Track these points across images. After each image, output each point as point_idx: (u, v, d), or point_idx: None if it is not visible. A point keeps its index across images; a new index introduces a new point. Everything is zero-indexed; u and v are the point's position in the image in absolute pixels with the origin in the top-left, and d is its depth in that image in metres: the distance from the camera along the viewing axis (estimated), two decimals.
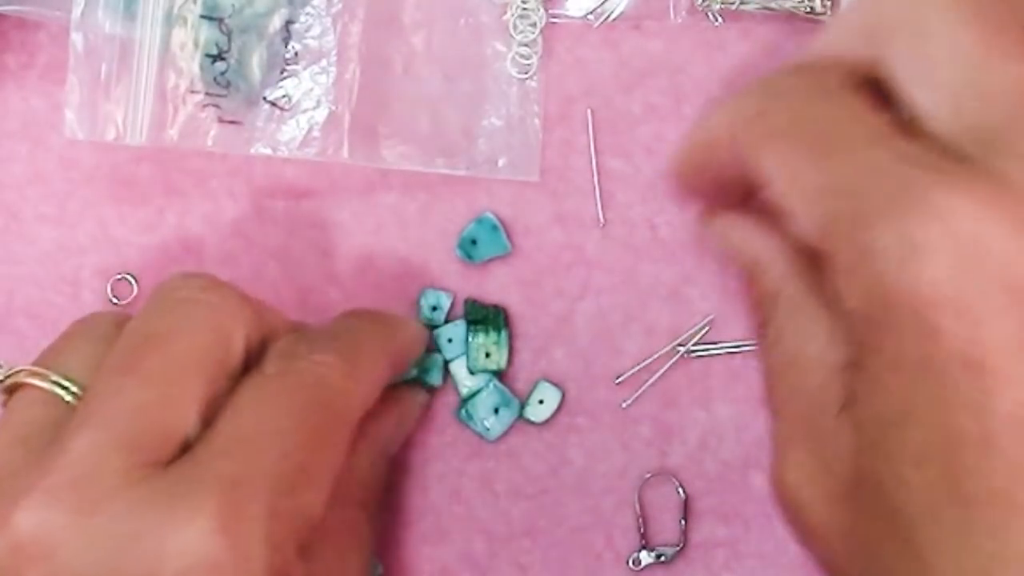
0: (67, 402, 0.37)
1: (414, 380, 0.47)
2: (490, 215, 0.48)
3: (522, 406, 0.48)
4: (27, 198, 0.49)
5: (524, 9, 0.47)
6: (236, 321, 0.38)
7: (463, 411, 0.48)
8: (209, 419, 0.36)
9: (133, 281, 0.49)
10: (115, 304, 0.48)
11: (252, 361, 0.39)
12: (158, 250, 0.49)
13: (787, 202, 0.31)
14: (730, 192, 0.36)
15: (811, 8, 0.47)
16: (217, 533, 0.33)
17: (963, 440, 0.27)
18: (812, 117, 0.31)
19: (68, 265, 0.49)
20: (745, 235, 0.37)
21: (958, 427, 0.27)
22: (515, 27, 0.48)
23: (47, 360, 0.38)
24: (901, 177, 0.28)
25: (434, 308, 0.48)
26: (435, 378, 0.47)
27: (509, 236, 0.48)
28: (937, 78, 0.29)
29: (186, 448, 0.35)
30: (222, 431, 0.35)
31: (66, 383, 0.37)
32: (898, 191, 0.28)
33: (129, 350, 0.37)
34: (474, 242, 0.48)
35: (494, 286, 0.48)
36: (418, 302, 0.48)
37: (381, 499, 0.45)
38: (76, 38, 0.45)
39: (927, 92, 0.30)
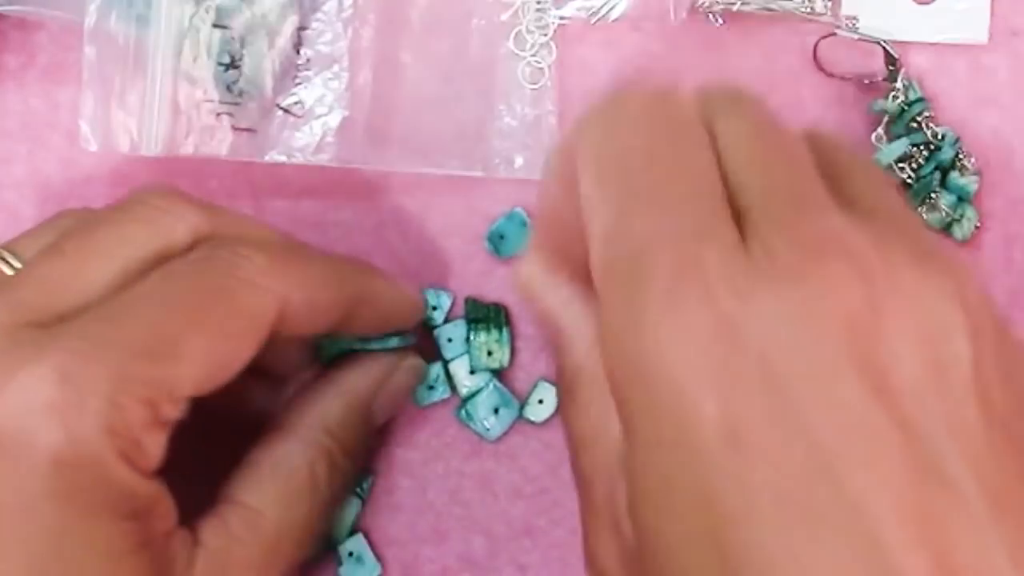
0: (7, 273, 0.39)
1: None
2: (520, 211, 0.48)
3: (522, 406, 0.48)
4: (27, 198, 0.49)
5: (537, 11, 0.47)
6: (176, 218, 0.39)
7: (463, 411, 0.48)
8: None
9: None
10: None
11: None
12: None
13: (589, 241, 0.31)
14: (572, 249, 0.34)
15: (812, 9, 0.47)
16: (55, 379, 0.34)
17: (727, 514, 0.27)
18: (653, 146, 0.31)
19: None
20: (562, 300, 0.36)
21: (722, 501, 0.27)
22: (528, 31, 0.48)
23: (12, 239, 0.41)
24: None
25: (434, 308, 0.48)
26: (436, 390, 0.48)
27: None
28: None
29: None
30: (108, 301, 0.37)
31: (9, 257, 0.39)
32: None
33: (62, 232, 0.39)
34: (503, 237, 0.48)
35: (494, 286, 0.48)
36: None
37: (356, 462, 0.44)
38: (89, 51, 0.45)
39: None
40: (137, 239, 0.38)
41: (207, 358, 0.37)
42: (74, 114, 0.47)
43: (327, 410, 0.43)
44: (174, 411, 0.37)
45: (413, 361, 0.46)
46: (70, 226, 0.40)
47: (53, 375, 0.34)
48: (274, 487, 0.40)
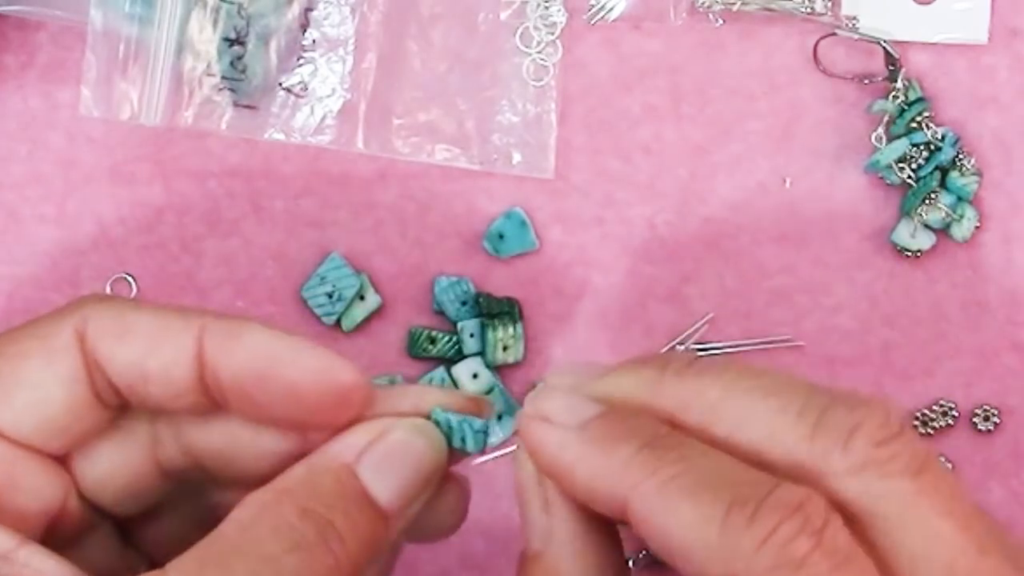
0: None
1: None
2: (519, 210, 0.48)
3: None
4: (27, 198, 0.49)
5: (545, 9, 0.48)
6: None
7: None
8: None
9: (132, 281, 0.49)
10: None
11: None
12: (157, 250, 0.49)
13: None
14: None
15: (812, 9, 0.47)
16: None
17: None
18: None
19: (68, 265, 0.49)
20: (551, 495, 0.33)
21: None
22: (535, 28, 0.48)
23: None
24: None
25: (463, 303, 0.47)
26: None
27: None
28: None
29: None
30: None
31: None
32: None
33: None
34: (501, 236, 0.48)
35: (494, 285, 0.48)
36: (433, 291, 0.48)
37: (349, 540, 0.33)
38: (95, 15, 0.45)
39: None
40: None
41: None
42: (74, 114, 0.47)
43: (290, 472, 0.33)
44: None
45: (415, 421, 0.34)
46: None
47: None
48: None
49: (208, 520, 0.34)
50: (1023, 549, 0.32)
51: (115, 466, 0.35)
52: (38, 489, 0.33)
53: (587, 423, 0.32)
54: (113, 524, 0.36)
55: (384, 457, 0.33)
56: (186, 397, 0.33)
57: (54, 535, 0.34)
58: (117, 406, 0.34)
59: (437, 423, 0.34)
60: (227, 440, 0.35)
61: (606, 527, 0.34)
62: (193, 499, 0.37)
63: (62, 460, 0.34)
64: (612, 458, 0.31)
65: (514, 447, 0.34)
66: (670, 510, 0.30)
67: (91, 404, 0.33)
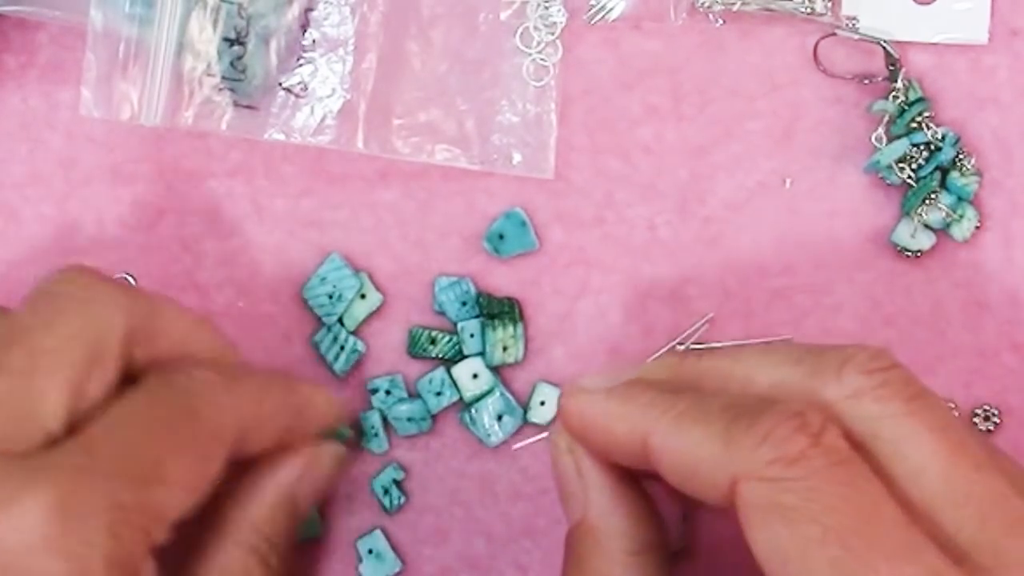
0: None
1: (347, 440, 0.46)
2: (519, 210, 0.48)
3: (525, 412, 0.48)
4: (27, 198, 0.49)
5: (545, 9, 0.48)
6: (111, 315, 0.38)
7: (466, 415, 0.47)
8: (80, 411, 0.37)
9: (132, 281, 0.49)
10: None
11: (140, 357, 0.39)
12: (157, 250, 0.49)
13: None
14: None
15: (812, 9, 0.47)
16: (54, 513, 0.33)
17: None
18: None
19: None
20: (589, 466, 0.41)
21: None
22: (535, 28, 0.48)
23: None
24: None
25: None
26: (374, 445, 0.48)
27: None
28: None
29: (51, 440, 0.36)
30: (83, 430, 0.36)
31: None
32: None
33: None
34: (502, 237, 0.48)
35: (494, 286, 0.48)
36: (433, 291, 0.48)
37: (285, 555, 0.43)
38: (95, 15, 0.45)
39: None
40: (78, 345, 0.37)
41: (187, 480, 0.37)
42: (74, 114, 0.47)
43: (258, 510, 0.42)
44: (163, 536, 0.36)
45: (332, 448, 0.45)
46: None
47: (50, 509, 0.33)
48: None
49: None
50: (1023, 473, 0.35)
51: None
52: None
53: (615, 387, 0.39)
54: None
55: (313, 487, 0.44)
56: None
57: None
58: None
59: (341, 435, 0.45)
60: None
61: (637, 487, 0.40)
62: None
63: None
64: (633, 403, 0.38)
65: (534, 439, 0.45)
66: (682, 435, 0.36)
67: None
